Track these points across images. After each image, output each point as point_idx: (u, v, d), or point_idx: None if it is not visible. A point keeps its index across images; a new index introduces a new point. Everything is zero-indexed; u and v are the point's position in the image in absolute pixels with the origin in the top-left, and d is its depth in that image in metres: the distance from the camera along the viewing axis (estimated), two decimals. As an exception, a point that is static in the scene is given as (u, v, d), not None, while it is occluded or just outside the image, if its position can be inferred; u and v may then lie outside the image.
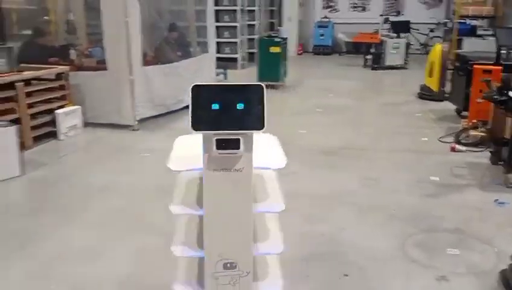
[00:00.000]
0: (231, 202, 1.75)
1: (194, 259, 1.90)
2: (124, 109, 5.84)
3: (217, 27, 10.72)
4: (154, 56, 6.86)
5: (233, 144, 1.65)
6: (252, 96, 1.65)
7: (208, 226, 1.78)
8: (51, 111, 5.44)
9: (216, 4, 10.73)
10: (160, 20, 7.07)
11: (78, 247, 3.14)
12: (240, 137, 1.65)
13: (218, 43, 10.80)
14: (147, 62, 6.26)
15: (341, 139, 5.70)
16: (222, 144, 1.66)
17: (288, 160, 4.51)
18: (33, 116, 5.23)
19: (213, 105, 1.62)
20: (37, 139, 5.29)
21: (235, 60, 11.30)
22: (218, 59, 9.34)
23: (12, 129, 4.28)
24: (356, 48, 13.94)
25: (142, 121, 5.97)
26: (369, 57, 11.58)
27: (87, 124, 5.83)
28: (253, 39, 11.65)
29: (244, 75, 10.48)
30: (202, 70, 7.41)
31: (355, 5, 15.17)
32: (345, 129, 6.22)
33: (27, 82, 5.19)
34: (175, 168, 1.81)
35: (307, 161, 4.87)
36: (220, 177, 1.71)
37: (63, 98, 5.68)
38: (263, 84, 1.66)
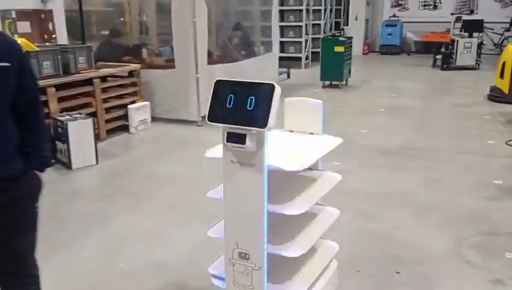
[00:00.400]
0: (245, 195, 1.82)
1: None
2: (189, 106, 6.13)
3: (282, 27, 10.87)
4: (219, 55, 7.12)
5: (240, 139, 1.73)
6: (262, 95, 1.69)
7: (226, 213, 1.89)
8: (123, 106, 5.83)
9: (281, 4, 10.89)
10: (225, 20, 7.31)
11: (144, 230, 3.40)
12: (246, 133, 1.72)
13: (282, 42, 10.94)
14: (212, 61, 6.51)
15: (403, 139, 5.62)
16: (231, 138, 1.75)
17: (347, 159, 4.58)
18: (107, 110, 5.64)
19: (228, 100, 1.73)
20: (110, 131, 5.70)
21: (299, 59, 11.38)
22: (282, 58, 9.48)
23: (89, 122, 4.67)
24: (426, 48, 13.51)
25: (205, 117, 6.23)
26: (438, 57, 11.21)
27: (155, 119, 6.18)
28: (318, 39, 11.66)
29: (307, 75, 10.52)
30: (265, 69, 7.58)
31: (425, 3, 14.70)
32: (408, 130, 6.12)
33: (103, 79, 5.61)
34: (209, 155, 1.94)
35: (366, 160, 4.87)
36: (235, 169, 1.81)
37: (134, 94, 6.07)
38: (275, 84, 1.69)
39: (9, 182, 1.82)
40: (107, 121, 5.61)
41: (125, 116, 5.80)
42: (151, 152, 5.46)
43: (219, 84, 1.78)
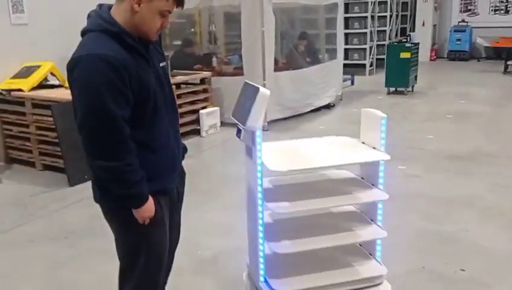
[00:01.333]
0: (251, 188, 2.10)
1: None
2: (256, 111, 6.39)
3: (346, 34, 10.93)
4: (285, 62, 7.35)
5: (238, 133, 2.01)
6: (251, 96, 1.89)
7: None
8: (195, 111, 6.20)
9: (346, 12, 10.95)
10: (291, 28, 7.53)
11: (216, 223, 3.67)
12: (241, 129, 1.98)
13: (346, 49, 10.98)
14: (278, 68, 6.76)
15: (471, 145, 5.54)
16: (237, 131, 2.03)
17: (413, 164, 4.67)
18: (181, 115, 6.01)
19: (240, 99, 2.02)
20: (183, 135, 6.06)
21: (363, 66, 11.38)
22: (346, 65, 9.54)
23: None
24: (496, 54, 13.00)
25: (271, 122, 6.45)
26: (510, 63, 10.78)
27: (224, 124, 6.50)
28: (383, 45, 11.60)
29: (371, 81, 10.50)
30: (330, 76, 7.70)
31: (496, 8, 14.14)
32: (476, 136, 6.01)
33: (177, 85, 6.01)
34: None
35: (432, 165, 4.88)
36: (247, 160, 2.10)
37: (205, 100, 6.43)
38: (259, 86, 1.90)
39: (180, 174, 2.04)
40: (181, 125, 5.97)
41: (196, 121, 6.17)
42: (220, 154, 5.77)
43: (244, 86, 2.05)
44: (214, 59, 7.40)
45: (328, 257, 2.23)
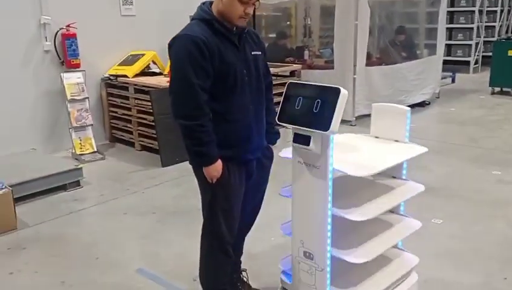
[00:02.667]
0: (310, 196, 1.86)
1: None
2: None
3: (450, 29, 10.33)
4: (379, 57, 7.15)
5: (305, 140, 1.79)
6: (327, 98, 1.72)
7: (294, 211, 1.95)
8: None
9: (451, 5, 10.33)
10: (389, 22, 7.30)
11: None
12: (310, 135, 1.77)
13: (449, 45, 10.40)
14: (370, 63, 6.61)
15: None
16: (297, 138, 1.83)
17: (509, 169, 4.36)
18: (269, 106, 6.15)
19: (297, 102, 1.80)
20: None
21: (467, 63, 10.69)
22: (448, 62, 9.05)
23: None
24: None
25: (359, 117, 6.33)
26: None
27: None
28: (490, 42, 10.78)
29: (475, 80, 9.83)
30: (427, 72, 7.36)
31: None
32: None
33: (268, 77, 6.13)
34: (282, 155, 2.06)
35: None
36: (302, 169, 1.87)
37: (294, 92, 6.49)
38: (340, 88, 1.72)
39: (261, 152, 2.27)
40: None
41: (284, 112, 6.26)
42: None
43: (291, 86, 1.87)
44: (306, 52, 7.43)
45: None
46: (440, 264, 2.93)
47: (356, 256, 1.89)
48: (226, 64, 2.04)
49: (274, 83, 6.86)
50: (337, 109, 1.69)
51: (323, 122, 1.71)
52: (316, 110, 1.73)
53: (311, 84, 1.84)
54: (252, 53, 2.16)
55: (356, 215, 1.85)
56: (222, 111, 2.09)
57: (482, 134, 5.87)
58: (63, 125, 5.25)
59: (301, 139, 1.81)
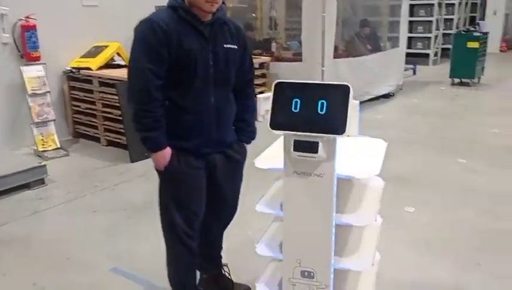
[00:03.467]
0: (310, 208, 1.65)
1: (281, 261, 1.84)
2: (313, 97, 6.36)
3: (410, 21, 10.57)
4: (345, 49, 7.23)
5: (312, 147, 1.55)
6: (336, 97, 1.54)
7: (287, 230, 1.73)
8: (252, 95, 6.27)
9: (412, -1, 10.57)
10: (353, 15, 7.38)
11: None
12: (318, 140, 1.54)
13: (410, 38, 10.64)
14: (338, 55, 6.66)
15: (539, 142, 5.24)
16: (300, 146, 1.56)
17: (473, 158, 4.45)
18: (238, 98, 6.12)
19: (293, 104, 1.55)
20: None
21: (426, 55, 10.98)
22: (409, 54, 9.25)
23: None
24: None
25: (328, 109, 6.40)
26: None
27: (280, 109, 6.53)
28: (449, 34, 11.13)
29: (435, 72, 10.12)
30: (390, 64, 7.50)
31: None
32: (546, 132, 5.67)
33: (236, 69, 6.09)
34: (259, 165, 1.77)
35: (494, 160, 4.67)
36: (299, 180, 1.63)
37: (263, 84, 6.48)
38: (349, 85, 1.54)
39: (227, 147, 2.20)
40: (237, 109, 6.09)
41: (253, 105, 6.23)
42: (273, 140, 5.80)
43: (280, 86, 1.60)
44: (273, 44, 7.41)
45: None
46: (416, 252, 2.99)
47: (361, 263, 1.77)
48: (185, 52, 1.99)
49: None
50: (349, 108, 1.52)
51: (335, 124, 1.51)
52: (322, 112, 1.52)
53: (308, 83, 1.59)
54: (225, 46, 2.09)
55: (363, 220, 1.74)
56: (179, 100, 2.05)
57: (445, 124, 6.05)
58: (24, 120, 5.00)
59: (306, 147, 1.55)
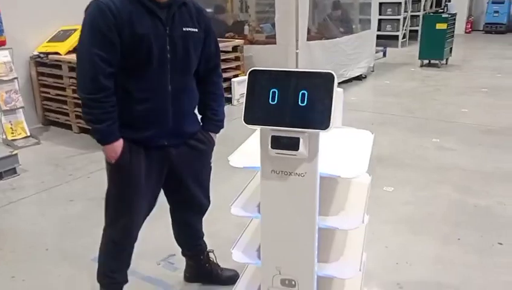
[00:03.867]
0: (291, 211, 1.48)
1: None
2: (287, 80, 6.35)
3: (380, 3, 10.64)
4: (317, 32, 7.23)
5: (292, 144, 1.37)
6: (318, 87, 1.35)
7: (265, 235, 1.55)
8: (226, 79, 6.20)
9: (381, -19, 10.64)
10: (325, -3, 7.38)
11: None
12: (299, 136, 1.36)
13: (379, 20, 10.71)
14: (311, 37, 6.65)
15: (507, 120, 5.41)
16: (278, 143, 1.38)
17: (447, 137, 4.51)
18: (212, 82, 6.03)
19: (271, 95, 1.37)
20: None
21: (395, 37, 11.12)
22: (379, 37, 9.33)
23: (199, 91, 5.06)
24: (537, 26, 12.50)
25: (302, 92, 6.40)
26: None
27: (255, 93, 6.49)
28: (417, 16, 11.29)
29: (404, 53, 10.28)
30: (363, 46, 7.56)
31: (539, -22, 13.51)
32: (513, 111, 5.86)
33: (209, 53, 5.99)
34: (234, 164, 1.58)
35: (466, 138, 4.80)
36: (278, 180, 1.45)
37: (237, 68, 6.42)
38: (333, 73, 1.35)
39: (189, 138, 2.06)
40: (212, 93, 6.01)
41: (228, 89, 6.17)
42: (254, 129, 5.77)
43: (255, 75, 1.41)
44: (246, 27, 7.33)
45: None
46: (398, 229, 3.04)
47: (347, 270, 1.59)
48: (138, 36, 1.82)
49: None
50: (334, 99, 1.33)
51: (318, 118, 1.33)
52: (303, 104, 1.35)
53: (288, 71, 1.40)
54: (184, 29, 1.92)
55: (349, 222, 1.56)
56: (131, 88, 1.89)
57: (417, 105, 6.16)
58: (-10, 109, 4.80)
59: (286, 144, 1.38)
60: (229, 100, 6.19)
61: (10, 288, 2.56)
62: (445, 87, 7.19)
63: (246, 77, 1.41)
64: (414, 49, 9.20)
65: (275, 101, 1.37)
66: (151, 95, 1.91)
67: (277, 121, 1.36)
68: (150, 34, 1.84)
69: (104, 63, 1.80)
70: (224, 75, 6.19)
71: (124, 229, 2.11)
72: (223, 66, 6.27)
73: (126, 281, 2.26)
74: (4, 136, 4.75)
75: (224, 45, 6.28)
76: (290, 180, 1.44)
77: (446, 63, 8.70)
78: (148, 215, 2.15)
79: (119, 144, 1.91)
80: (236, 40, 6.51)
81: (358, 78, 7.53)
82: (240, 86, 6.21)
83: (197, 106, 2.14)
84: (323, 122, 1.32)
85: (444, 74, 8.14)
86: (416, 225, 3.11)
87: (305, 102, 1.34)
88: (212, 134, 2.16)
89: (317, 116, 1.33)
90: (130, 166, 1.95)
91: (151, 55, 1.85)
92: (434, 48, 8.35)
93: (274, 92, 1.37)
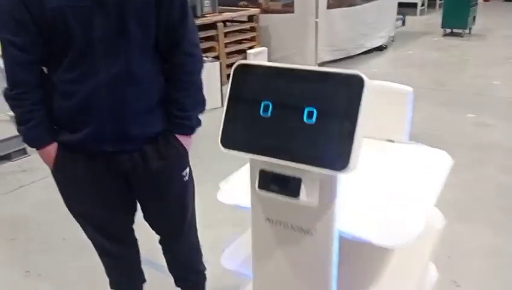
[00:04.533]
0: (292, 279, 0.99)
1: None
2: (306, 52, 6.01)
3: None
4: (338, -1, 6.83)
5: (289, 187, 0.90)
6: (335, 98, 0.84)
7: None
8: (241, 51, 5.86)
9: None
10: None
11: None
12: (300, 176, 0.89)
13: (398, -13, 10.26)
14: (330, 5, 6.26)
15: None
16: (270, 181, 0.92)
17: (482, 112, 4.13)
18: (228, 55, 5.71)
19: (263, 107, 0.91)
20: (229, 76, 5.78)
21: (413, 5, 10.64)
22: (397, 4, 8.91)
23: (217, 65, 4.76)
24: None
25: (321, 64, 6.06)
26: None
27: (271, 65, 6.16)
28: (436, -17, 10.77)
29: (423, 22, 9.83)
30: (384, 14, 7.16)
31: None
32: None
33: (224, 23, 5.65)
34: (221, 198, 1.21)
35: (503, 113, 4.50)
36: (274, 234, 0.98)
37: (252, 39, 6.06)
38: (362, 75, 0.84)
39: (143, 143, 1.54)
40: (228, 66, 5.69)
41: (244, 61, 5.84)
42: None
43: (243, 71, 0.98)
44: (261, -5, 6.93)
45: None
46: (447, 215, 2.78)
47: None
48: (49, 12, 1.37)
49: (230, 30, 5.99)
50: (359, 122, 0.82)
51: (332, 150, 0.83)
52: (311, 121, 0.86)
53: (292, 68, 0.90)
54: None
55: None
56: (56, 80, 1.47)
57: (445, 77, 5.81)
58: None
59: (280, 185, 0.91)
60: (245, 74, 5.87)
61: (25, 283, 2.35)
62: (471, 58, 6.82)
63: (230, 77, 0.99)
64: (433, 17, 8.78)
65: (268, 113, 0.89)
66: (77, 88, 1.45)
67: (268, 146, 0.89)
68: (64, 6, 1.37)
69: (17, 49, 1.42)
70: (240, 46, 5.87)
71: (93, 240, 1.84)
72: (237, 37, 5.98)
73: None
74: (11, 113, 4.48)
75: (240, 14, 5.92)
76: (291, 237, 0.94)
77: (470, 33, 8.28)
78: (127, 222, 1.79)
79: (51, 149, 1.53)
80: (252, 9, 6.13)
81: (379, 48, 7.14)
82: (255, 58, 5.85)
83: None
84: (336, 159, 0.81)
85: (468, 43, 7.74)
86: (465, 211, 2.85)
87: (314, 119, 0.85)
88: (181, 137, 1.59)
89: (331, 146, 0.83)
90: (65, 176, 1.59)
91: (71, 34, 1.39)
92: (458, 16, 7.92)
93: (268, 105, 0.91)
